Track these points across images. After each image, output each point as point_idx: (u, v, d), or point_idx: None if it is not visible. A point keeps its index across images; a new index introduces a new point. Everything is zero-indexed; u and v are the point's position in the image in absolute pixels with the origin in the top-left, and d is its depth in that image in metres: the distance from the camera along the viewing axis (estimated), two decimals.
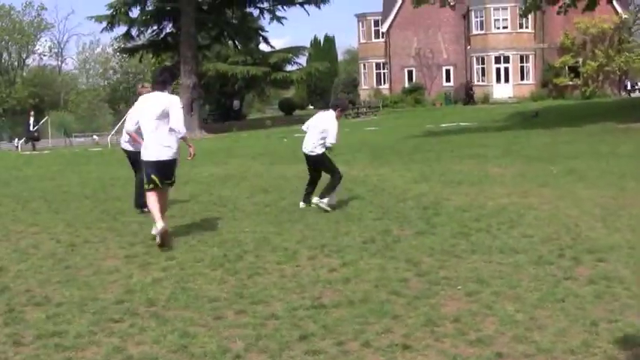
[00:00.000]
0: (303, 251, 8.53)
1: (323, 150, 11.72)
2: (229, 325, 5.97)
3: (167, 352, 5.46)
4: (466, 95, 53.86)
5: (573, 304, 6.06)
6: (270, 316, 6.14)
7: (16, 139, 41.99)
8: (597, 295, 6.29)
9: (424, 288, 6.72)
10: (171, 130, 9.41)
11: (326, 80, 68.70)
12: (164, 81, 9.64)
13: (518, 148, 19.60)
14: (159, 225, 9.19)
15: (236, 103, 65.02)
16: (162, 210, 9.55)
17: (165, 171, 9.58)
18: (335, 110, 11.93)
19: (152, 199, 9.51)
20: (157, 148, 9.47)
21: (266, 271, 7.70)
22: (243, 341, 5.56)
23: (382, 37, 61.74)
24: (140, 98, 10.00)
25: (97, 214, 12.16)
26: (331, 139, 11.65)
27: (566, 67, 53.63)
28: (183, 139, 9.57)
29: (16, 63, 77.89)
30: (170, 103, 9.44)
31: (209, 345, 5.52)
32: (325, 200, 11.30)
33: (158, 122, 9.42)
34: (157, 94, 9.55)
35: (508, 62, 54.76)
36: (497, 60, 55.01)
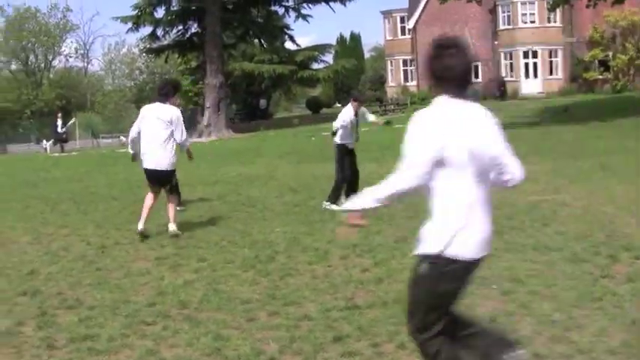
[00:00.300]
0: (334, 251, 8.51)
1: (336, 142, 12.22)
2: (262, 327, 5.97)
3: (200, 355, 5.46)
4: (499, 90, 53.33)
5: (611, 303, 5.98)
6: (304, 317, 6.13)
7: (44, 141, 42.30)
8: (636, 294, 6.20)
9: None
10: (171, 141, 10.07)
11: (352, 78, 68.56)
12: (166, 94, 10.22)
13: (548, 144, 19.45)
14: (139, 226, 9.95)
15: (263, 102, 65.08)
16: (171, 216, 10.21)
17: (162, 179, 10.19)
18: (352, 102, 12.29)
19: (147, 200, 10.27)
20: (155, 157, 10.04)
21: (298, 272, 7.70)
22: (277, 343, 5.55)
23: (408, 33, 61.51)
24: (143, 107, 10.62)
25: (126, 215, 12.22)
26: (335, 124, 12.19)
27: (596, 61, 53.05)
28: (187, 151, 10.44)
29: (42, 65, 78.34)
30: (172, 115, 10.06)
31: (242, 347, 5.52)
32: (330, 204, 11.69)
33: (158, 132, 9.99)
34: (159, 105, 10.15)
35: (536, 57, 54.30)
36: (526, 55, 54.58)
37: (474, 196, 4.04)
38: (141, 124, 10.23)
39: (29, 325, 6.51)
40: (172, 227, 10.10)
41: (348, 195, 11.74)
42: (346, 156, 12.15)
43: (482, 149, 3.92)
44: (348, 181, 12.00)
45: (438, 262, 4.00)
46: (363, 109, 12.40)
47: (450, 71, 4.04)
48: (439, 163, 3.95)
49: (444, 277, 4.04)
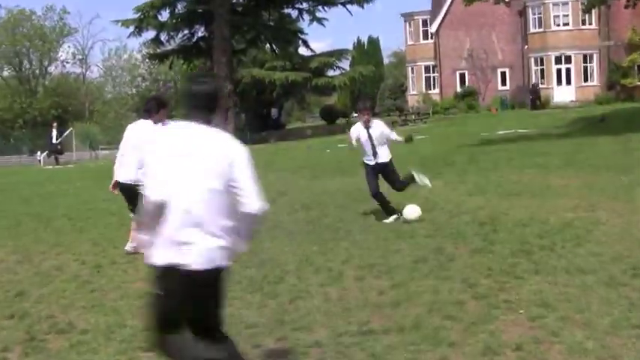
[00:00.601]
0: (349, 272, 8.48)
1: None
2: (269, 355, 5.95)
3: None
4: (532, 99, 53.04)
5: None
6: (314, 343, 6.10)
7: (39, 153, 42.54)
8: None
9: (482, 312, 6.62)
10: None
11: (371, 86, 68.70)
12: (148, 110, 10.30)
13: (583, 157, 19.34)
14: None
15: (274, 111, 65.26)
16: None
17: (127, 194, 10.22)
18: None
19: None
20: (124, 171, 10.22)
21: (309, 295, 7.66)
22: None
23: (431, 38, 61.54)
24: (128, 127, 10.73)
25: (124, 232, 12.18)
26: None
27: (636, 67, 52.86)
28: None
29: (37, 71, 78.90)
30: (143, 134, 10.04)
31: None
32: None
33: (133, 151, 10.05)
34: (142, 122, 10.30)
35: (570, 62, 54.16)
36: (558, 60, 54.45)
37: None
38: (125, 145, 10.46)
39: (16, 351, 6.52)
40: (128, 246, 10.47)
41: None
42: (370, 173, 12.07)
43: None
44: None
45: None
46: (379, 124, 12.07)
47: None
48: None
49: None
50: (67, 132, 45.26)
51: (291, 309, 7.19)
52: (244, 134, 51.85)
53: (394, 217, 11.80)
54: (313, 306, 7.24)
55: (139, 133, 10.09)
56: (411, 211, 11.52)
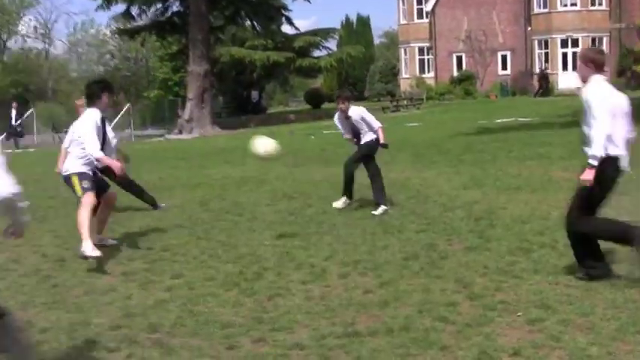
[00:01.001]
0: (332, 268, 8.49)
1: None
2: (245, 356, 5.94)
3: None
4: (541, 85, 53.01)
5: None
6: (295, 345, 6.10)
7: None
8: None
9: (477, 314, 6.64)
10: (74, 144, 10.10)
11: (360, 68, 68.77)
12: (89, 95, 10.05)
13: None
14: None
15: (254, 94, 65.23)
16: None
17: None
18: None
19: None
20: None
21: (289, 292, 7.67)
22: None
23: (426, 17, 61.64)
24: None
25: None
26: None
27: None
28: (100, 161, 9.85)
29: None
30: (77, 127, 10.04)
31: None
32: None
33: (71, 141, 10.20)
34: (88, 111, 10.01)
35: (577, 46, 54.23)
36: (564, 43, 54.60)
37: None
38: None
39: None
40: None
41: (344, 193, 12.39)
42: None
43: None
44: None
45: None
46: (357, 110, 12.28)
47: None
48: None
49: None
50: (28, 113, 45.02)
51: (269, 307, 7.20)
52: (222, 118, 51.87)
53: (344, 201, 12.43)
54: (294, 304, 7.24)
55: (77, 126, 10.07)
56: (262, 144, 10.56)
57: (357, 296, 7.42)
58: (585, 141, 7.43)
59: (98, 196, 9.86)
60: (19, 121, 40.78)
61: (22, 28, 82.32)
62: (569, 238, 7.85)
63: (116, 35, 67.20)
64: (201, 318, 6.96)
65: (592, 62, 7.74)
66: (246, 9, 52.39)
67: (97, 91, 9.96)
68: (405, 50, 64.06)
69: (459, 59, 60.12)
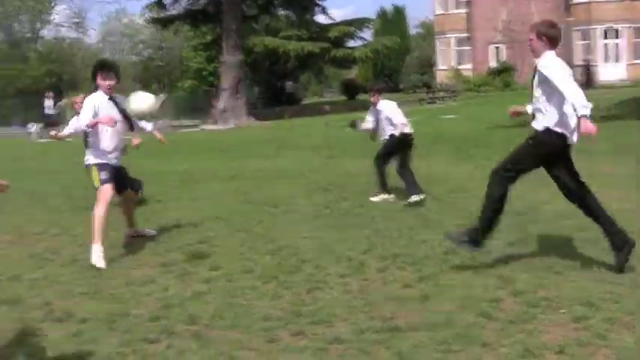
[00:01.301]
0: (371, 262, 8.49)
1: None
2: (284, 349, 5.95)
3: None
4: (586, 76, 52.36)
5: None
6: (334, 339, 6.09)
7: (30, 124, 42.38)
8: None
9: (520, 310, 6.59)
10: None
11: (395, 59, 68.54)
12: (94, 78, 9.81)
13: (632, 142, 19.23)
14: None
15: (289, 85, 65.19)
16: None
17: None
18: None
19: None
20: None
21: (327, 285, 7.68)
22: None
23: (463, 7, 61.28)
24: None
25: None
26: None
27: None
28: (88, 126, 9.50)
29: (29, 35, 78.89)
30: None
31: None
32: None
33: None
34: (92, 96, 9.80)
35: (618, 37, 53.77)
36: (605, 34, 54.06)
37: None
38: None
39: (9, 339, 6.56)
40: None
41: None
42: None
43: None
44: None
45: None
46: (386, 105, 12.56)
47: None
48: None
49: None
50: (62, 102, 45.27)
51: (308, 300, 7.21)
52: (257, 109, 51.86)
53: (382, 197, 12.56)
54: (332, 298, 7.25)
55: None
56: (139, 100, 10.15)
57: (395, 290, 7.41)
58: (535, 112, 7.91)
59: (118, 192, 9.80)
60: (54, 110, 40.94)
61: (55, 17, 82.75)
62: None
63: (149, 24, 67.38)
64: (240, 310, 6.98)
65: (545, 37, 7.79)
66: None
67: (93, 73, 9.80)
68: (440, 41, 63.74)
69: (497, 50, 59.72)
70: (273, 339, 6.19)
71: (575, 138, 7.86)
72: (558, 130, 7.71)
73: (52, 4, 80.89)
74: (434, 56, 66.53)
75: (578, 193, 8.06)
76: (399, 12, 77.66)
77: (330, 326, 6.44)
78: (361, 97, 63.03)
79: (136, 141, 10.47)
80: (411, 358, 5.63)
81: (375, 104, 12.62)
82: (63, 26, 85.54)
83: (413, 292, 7.34)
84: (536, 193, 12.31)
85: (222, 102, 45.25)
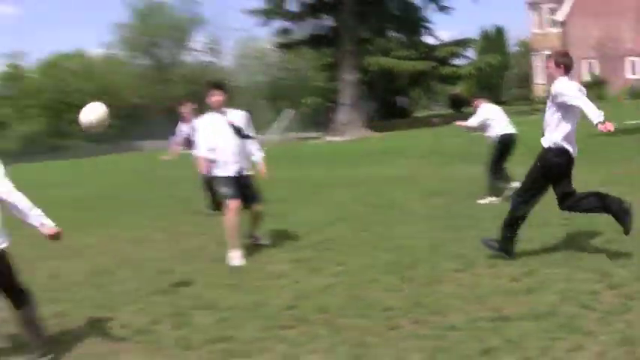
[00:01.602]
0: (481, 259, 8.42)
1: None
2: (406, 336, 5.97)
3: None
4: None
5: None
6: (450, 327, 6.09)
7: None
8: None
9: (618, 302, 6.44)
10: None
11: (496, 75, 67.54)
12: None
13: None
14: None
15: (401, 99, 65.02)
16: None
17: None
18: None
19: None
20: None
21: (442, 280, 7.66)
22: (422, 353, 5.55)
23: (558, 26, 60.07)
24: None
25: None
26: None
27: None
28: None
29: (171, 60, 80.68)
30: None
31: (384, 357, 5.55)
32: None
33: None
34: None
35: None
36: None
37: None
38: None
39: (164, 324, 6.79)
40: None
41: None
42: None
43: None
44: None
45: None
46: (484, 109, 12.81)
47: None
48: None
49: None
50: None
51: (425, 293, 7.21)
52: (372, 122, 51.91)
53: (490, 199, 12.50)
54: (447, 291, 7.23)
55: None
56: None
57: (504, 284, 7.35)
58: (545, 127, 8.11)
59: (245, 202, 9.56)
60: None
61: (194, 43, 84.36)
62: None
63: (276, 48, 68.14)
64: (365, 301, 7.04)
65: (562, 64, 7.96)
66: (391, 22, 52.33)
67: (203, 92, 9.62)
68: (537, 57, 62.63)
69: (590, 65, 58.36)
70: (395, 326, 6.23)
71: (576, 151, 8.16)
72: (563, 144, 7.97)
73: (191, 33, 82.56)
74: (531, 71, 65.42)
75: (570, 202, 8.30)
76: (499, 32, 76.52)
77: (445, 316, 6.43)
78: (467, 109, 62.46)
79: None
80: (519, 344, 5.59)
81: (476, 107, 12.86)
82: (200, 51, 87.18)
83: (519, 285, 7.27)
84: (632, 195, 12.01)
85: (341, 116, 45.51)
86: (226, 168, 9.38)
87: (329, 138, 43.82)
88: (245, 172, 9.54)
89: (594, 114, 7.45)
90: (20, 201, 5.78)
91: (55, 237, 5.94)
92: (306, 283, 7.88)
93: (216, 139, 9.37)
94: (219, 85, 9.62)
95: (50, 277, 9.26)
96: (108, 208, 16.34)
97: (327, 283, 7.83)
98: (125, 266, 9.57)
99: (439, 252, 8.91)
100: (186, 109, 13.82)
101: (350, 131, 43.85)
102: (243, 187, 9.48)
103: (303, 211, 13.11)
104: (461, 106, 65.37)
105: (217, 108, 9.40)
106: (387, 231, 10.53)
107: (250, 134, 9.60)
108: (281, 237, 10.55)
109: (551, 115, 7.97)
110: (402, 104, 65.24)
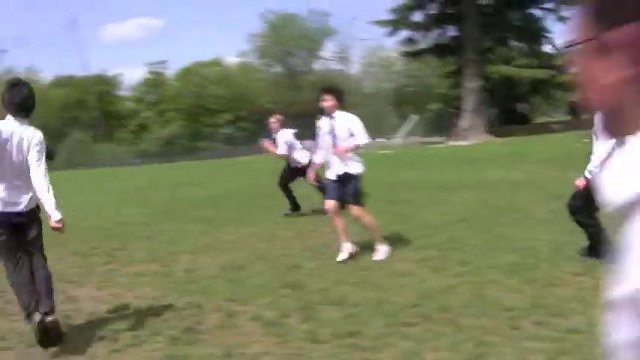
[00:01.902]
0: (600, 263, 8.10)
1: None
2: (527, 337, 5.77)
3: None
4: None
5: None
6: (570, 330, 5.84)
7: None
8: None
9: None
10: None
11: None
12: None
13: None
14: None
15: (522, 106, 63.87)
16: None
17: None
18: None
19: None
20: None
21: (563, 282, 7.40)
22: (543, 354, 5.35)
23: None
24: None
25: (389, 217, 12.35)
26: None
27: None
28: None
29: (303, 68, 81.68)
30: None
31: (506, 356, 5.37)
32: None
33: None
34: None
35: None
36: None
37: None
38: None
39: (293, 317, 6.77)
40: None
41: None
42: None
43: None
44: None
45: None
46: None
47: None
48: None
49: None
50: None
51: (547, 295, 6.96)
52: (494, 127, 51.20)
53: None
54: (569, 293, 6.96)
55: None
56: None
57: None
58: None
59: (341, 203, 9.34)
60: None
61: (324, 52, 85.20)
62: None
63: (402, 57, 68.01)
64: (487, 301, 6.86)
65: None
66: (512, 32, 51.60)
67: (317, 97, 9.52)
68: None
69: None
70: (516, 327, 6.03)
71: None
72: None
73: (322, 42, 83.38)
74: None
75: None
76: None
77: (566, 318, 6.18)
78: (586, 116, 60.70)
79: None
80: None
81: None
82: (330, 60, 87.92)
83: None
84: None
85: (464, 121, 45.08)
86: (331, 170, 9.31)
87: (452, 142, 43.47)
88: (347, 174, 9.27)
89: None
90: (40, 190, 6.19)
91: (57, 229, 6.28)
92: (429, 282, 7.75)
93: (324, 142, 9.36)
94: (330, 90, 9.49)
95: (186, 271, 9.43)
96: (243, 207, 16.56)
97: (450, 282, 7.67)
98: (257, 262, 9.65)
99: (559, 255, 8.63)
100: (273, 119, 13.82)
101: (472, 136, 43.37)
102: (343, 188, 9.27)
103: (427, 212, 12.95)
104: (580, 113, 63.73)
105: (329, 112, 9.30)
106: (508, 233, 10.28)
107: (362, 138, 9.30)
108: (406, 237, 10.44)
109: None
110: (522, 111, 64.04)
